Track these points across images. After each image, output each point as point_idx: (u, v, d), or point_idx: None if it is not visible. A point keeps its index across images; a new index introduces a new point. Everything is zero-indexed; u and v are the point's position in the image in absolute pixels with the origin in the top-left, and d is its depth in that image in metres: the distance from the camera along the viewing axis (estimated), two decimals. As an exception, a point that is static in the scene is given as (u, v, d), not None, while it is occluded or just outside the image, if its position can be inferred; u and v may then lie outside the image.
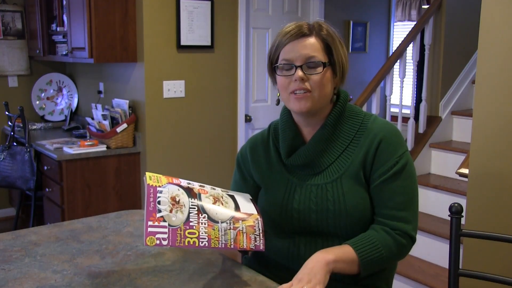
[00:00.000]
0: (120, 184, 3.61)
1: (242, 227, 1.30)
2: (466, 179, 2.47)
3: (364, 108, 3.47)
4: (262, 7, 4.06)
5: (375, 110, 3.53)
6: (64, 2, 3.85)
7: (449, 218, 1.57)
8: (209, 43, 3.73)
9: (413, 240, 1.38)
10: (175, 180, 1.34)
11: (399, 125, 3.65)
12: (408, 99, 3.95)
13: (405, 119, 3.82)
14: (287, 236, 1.46)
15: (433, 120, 3.82)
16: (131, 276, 1.35)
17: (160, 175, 1.34)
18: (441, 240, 3.16)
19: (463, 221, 1.75)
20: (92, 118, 3.74)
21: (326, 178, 1.41)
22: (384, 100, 4.05)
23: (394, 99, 3.88)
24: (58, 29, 4.13)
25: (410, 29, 3.68)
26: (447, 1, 3.73)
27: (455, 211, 1.55)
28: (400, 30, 5.81)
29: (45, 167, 3.63)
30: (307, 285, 1.18)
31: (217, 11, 3.74)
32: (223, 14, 3.78)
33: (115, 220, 1.81)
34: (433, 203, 3.50)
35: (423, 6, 5.79)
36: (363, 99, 3.43)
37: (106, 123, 3.60)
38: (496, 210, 2.21)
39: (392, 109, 3.73)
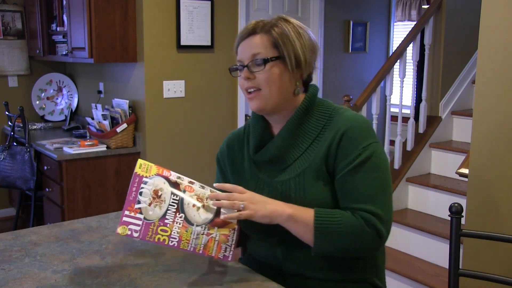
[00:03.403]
0: (120, 184, 3.61)
1: (216, 235, 1.30)
2: (466, 179, 2.48)
3: (364, 108, 3.47)
4: (262, 7, 4.06)
5: (375, 110, 3.53)
6: (64, 2, 3.85)
7: (449, 218, 1.57)
8: (209, 43, 3.73)
9: (380, 235, 1.30)
10: (165, 172, 1.32)
11: (399, 125, 3.65)
12: (408, 99, 3.95)
13: (405, 119, 3.82)
14: (262, 237, 1.47)
15: (433, 120, 3.82)
16: (131, 276, 1.35)
17: (152, 164, 1.33)
18: (441, 240, 3.15)
19: (463, 221, 1.75)
20: (92, 118, 3.74)
21: (291, 173, 1.40)
22: (384, 100, 4.05)
23: (394, 99, 3.88)
24: (58, 29, 4.13)
25: (410, 29, 3.68)
26: (447, 1, 3.72)
27: (455, 211, 1.55)
28: (400, 30, 5.81)
29: (45, 167, 3.63)
30: (246, 210, 1.27)
31: (217, 11, 3.74)
32: (223, 14, 3.78)
33: (115, 220, 1.81)
34: (433, 203, 3.50)
35: (423, 6, 5.80)
36: (363, 99, 3.43)
37: (106, 123, 3.60)
38: (496, 210, 2.20)
39: (392, 109, 3.73)
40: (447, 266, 1.66)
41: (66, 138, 3.96)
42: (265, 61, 1.35)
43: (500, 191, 2.19)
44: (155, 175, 1.30)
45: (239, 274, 1.38)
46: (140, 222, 1.26)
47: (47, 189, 3.67)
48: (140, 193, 1.27)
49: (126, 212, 1.26)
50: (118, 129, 3.54)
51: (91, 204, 3.50)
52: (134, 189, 1.27)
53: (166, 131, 3.67)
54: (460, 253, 1.59)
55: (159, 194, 1.28)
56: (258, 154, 1.45)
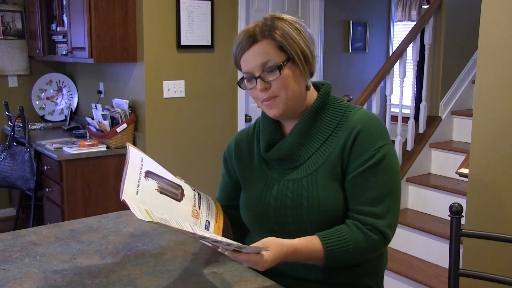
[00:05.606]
0: (120, 184, 3.60)
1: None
2: (466, 179, 2.47)
3: (364, 108, 3.47)
4: (262, 7, 4.06)
5: (375, 110, 3.53)
6: (64, 2, 3.85)
7: (449, 218, 1.57)
8: (209, 43, 3.73)
9: (385, 237, 1.32)
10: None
11: (399, 125, 3.65)
12: (408, 99, 3.95)
13: (405, 119, 3.82)
14: (266, 235, 1.43)
15: (433, 120, 3.82)
16: (131, 276, 1.35)
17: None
18: (441, 240, 3.15)
19: (463, 221, 1.75)
20: (92, 118, 3.74)
21: (303, 172, 1.38)
22: (384, 100, 4.04)
23: (394, 99, 3.88)
24: (58, 29, 4.13)
25: (410, 29, 3.68)
26: (447, 1, 3.73)
27: (455, 211, 1.55)
28: (400, 30, 5.80)
29: (45, 167, 3.63)
30: (256, 263, 1.19)
31: (217, 11, 3.74)
32: (223, 14, 3.78)
33: (115, 220, 1.81)
34: (433, 203, 3.50)
35: (423, 6, 5.79)
36: (363, 99, 3.43)
37: (106, 123, 3.60)
38: (496, 210, 2.20)
39: (392, 109, 3.73)
40: (447, 266, 1.66)
41: (66, 138, 3.96)
42: (279, 68, 1.31)
43: (500, 191, 2.19)
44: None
45: (239, 274, 1.38)
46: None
47: (47, 189, 3.67)
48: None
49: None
50: (118, 129, 3.54)
51: (91, 204, 3.50)
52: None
53: (166, 131, 3.67)
54: (460, 253, 1.59)
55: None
56: (270, 153, 1.43)
